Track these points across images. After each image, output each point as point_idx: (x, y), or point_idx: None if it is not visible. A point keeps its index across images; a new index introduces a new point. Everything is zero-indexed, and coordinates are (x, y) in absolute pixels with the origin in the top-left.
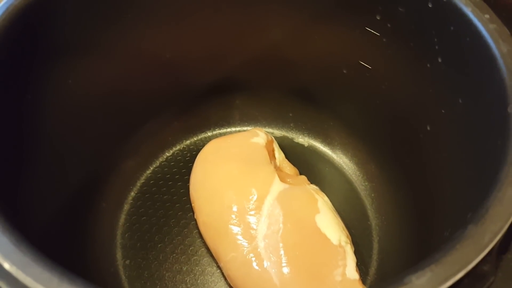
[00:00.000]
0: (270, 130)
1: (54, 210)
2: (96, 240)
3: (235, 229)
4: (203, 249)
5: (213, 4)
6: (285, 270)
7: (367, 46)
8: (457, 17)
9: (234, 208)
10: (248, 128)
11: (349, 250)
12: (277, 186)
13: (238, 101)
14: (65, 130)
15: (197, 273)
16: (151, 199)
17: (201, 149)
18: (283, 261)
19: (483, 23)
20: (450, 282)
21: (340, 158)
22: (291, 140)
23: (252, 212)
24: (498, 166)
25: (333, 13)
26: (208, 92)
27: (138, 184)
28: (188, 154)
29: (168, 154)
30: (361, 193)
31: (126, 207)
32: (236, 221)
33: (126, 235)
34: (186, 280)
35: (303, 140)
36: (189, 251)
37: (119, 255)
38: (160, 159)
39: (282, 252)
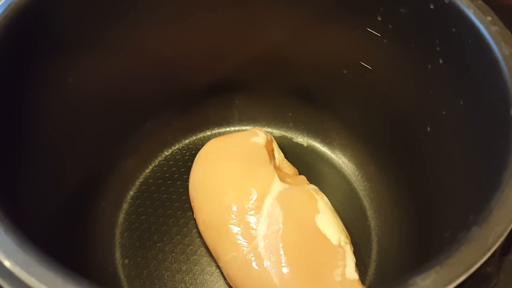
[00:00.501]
0: (270, 129)
1: (53, 209)
2: (95, 239)
3: (235, 229)
4: (202, 248)
5: (214, 3)
6: (285, 270)
7: (368, 47)
8: (459, 18)
9: (234, 208)
10: (248, 127)
11: (348, 250)
12: (277, 186)
13: (238, 100)
14: (65, 129)
15: (197, 272)
16: (150, 198)
17: (200, 148)
18: (283, 261)
19: (485, 25)
20: (455, 283)
21: (339, 158)
22: (290, 140)
23: (252, 212)
24: (500, 167)
25: (334, 14)
26: (207, 91)
27: (137, 183)
28: (187, 154)
29: (167, 153)
30: (360, 193)
31: (125, 206)
32: (236, 221)
33: (125, 234)
34: (185, 279)
35: (302, 140)
36: (188, 251)
37: (118, 254)
38: (159, 158)
39: (282, 252)
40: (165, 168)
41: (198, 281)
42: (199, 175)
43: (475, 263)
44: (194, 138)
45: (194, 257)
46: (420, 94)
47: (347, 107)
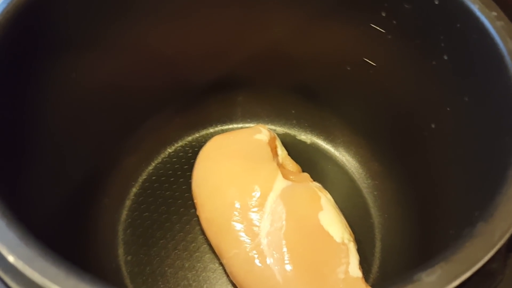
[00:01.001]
0: (273, 127)
1: (55, 206)
2: (98, 236)
3: (238, 226)
4: (205, 245)
5: (216, 0)
6: (288, 267)
7: (371, 43)
8: (463, 14)
9: (237, 205)
10: (250, 125)
11: (352, 248)
12: (280, 183)
13: (241, 98)
14: (67, 125)
15: (199, 269)
16: (153, 195)
17: (203, 145)
18: (286, 258)
19: (490, 20)
20: (460, 279)
21: (343, 156)
22: (294, 137)
23: (255, 209)
24: (506, 163)
25: (338, 9)
26: (210, 88)
27: (140, 180)
28: (190, 151)
29: (170, 150)
30: (364, 190)
31: (128, 203)
32: (239, 218)
33: (128, 231)
34: (188, 276)
35: (306, 137)
36: (191, 248)
37: (120, 251)
38: (162, 155)
39: (285, 249)
40: (168, 165)
41: (200, 278)
42: (202, 172)
43: (481, 259)
44: (197, 135)
45: (197, 254)
46: (424, 91)
47: (351, 104)
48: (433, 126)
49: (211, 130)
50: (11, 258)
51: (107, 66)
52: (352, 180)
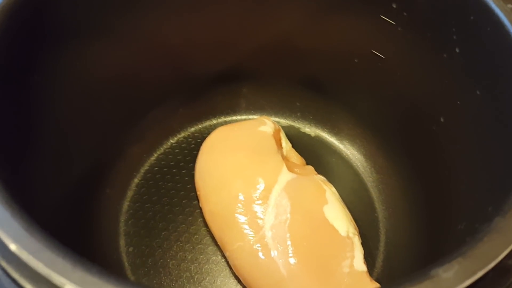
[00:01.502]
0: (277, 119)
1: (58, 196)
2: (100, 227)
3: (242, 219)
4: (208, 237)
5: None
6: (293, 260)
7: (381, 35)
8: (477, 6)
9: (241, 197)
10: (254, 116)
11: (357, 242)
12: (285, 175)
13: (245, 89)
14: (72, 115)
15: (202, 261)
16: (155, 186)
17: (206, 136)
18: (291, 251)
19: (505, 13)
20: (478, 275)
21: (348, 149)
22: (298, 129)
23: (260, 202)
24: None
25: (347, 1)
26: (215, 80)
27: (142, 170)
28: (193, 142)
29: (172, 141)
30: (369, 184)
31: (130, 193)
32: (243, 210)
33: (130, 222)
34: (191, 268)
35: (310, 130)
36: (193, 239)
37: (122, 242)
38: (165, 146)
39: (289, 242)
40: (171, 156)
41: (203, 270)
42: (205, 164)
43: (499, 255)
44: (200, 126)
45: (199, 246)
46: (434, 84)
47: (357, 97)
48: (442, 120)
49: (215, 121)
50: (14, 248)
51: (113, 55)
52: (357, 174)
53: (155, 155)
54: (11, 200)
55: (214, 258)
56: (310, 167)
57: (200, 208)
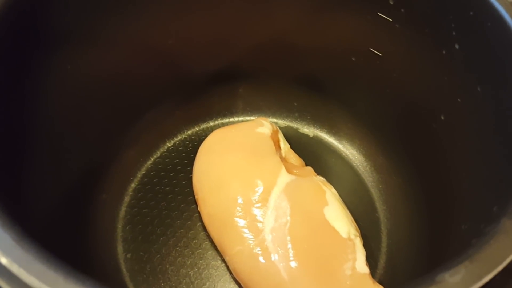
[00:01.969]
0: (274, 120)
1: (53, 202)
2: (96, 233)
3: (241, 222)
4: (207, 242)
5: None
6: (294, 264)
7: (378, 33)
8: (477, 1)
9: (240, 200)
10: (252, 117)
11: (358, 243)
12: (284, 177)
13: (242, 89)
14: (65, 119)
15: (201, 266)
16: (152, 190)
17: (203, 139)
18: (291, 254)
19: (505, 8)
20: (485, 279)
21: (347, 149)
22: (296, 130)
23: (259, 204)
24: None
25: None
26: (211, 80)
27: (139, 175)
28: (190, 144)
29: (169, 144)
30: (369, 184)
31: (126, 198)
32: (242, 214)
33: (127, 227)
34: (190, 274)
35: (308, 130)
36: (192, 244)
37: (119, 248)
38: (161, 149)
39: (290, 245)
40: (168, 159)
41: (203, 275)
42: (203, 166)
43: (507, 257)
44: (197, 128)
45: (198, 251)
46: (433, 81)
47: (355, 96)
48: (442, 118)
49: (212, 123)
50: (5, 261)
51: (106, 59)
52: (357, 174)
53: (152, 158)
54: (1, 210)
55: (213, 263)
56: (309, 168)
57: (199, 212)
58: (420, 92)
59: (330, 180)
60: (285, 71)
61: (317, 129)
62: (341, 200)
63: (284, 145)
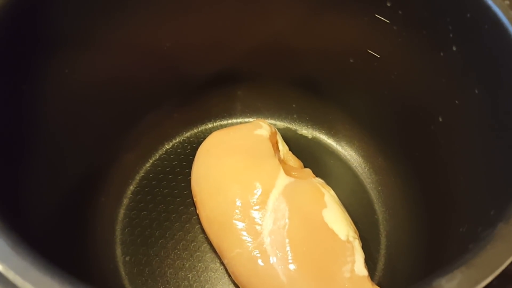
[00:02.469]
0: (273, 121)
1: (51, 205)
2: (95, 236)
3: (240, 225)
4: (205, 244)
5: None
6: (292, 266)
7: (376, 34)
8: (474, 3)
9: (239, 203)
10: (250, 119)
11: (357, 246)
12: (283, 179)
13: (240, 92)
14: (63, 122)
15: (200, 269)
16: (151, 193)
17: (202, 141)
18: (290, 257)
19: (503, 10)
20: (482, 285)
21: (346, 150)
22: (295, 132)
23: (257, 207)
24: None
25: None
26: (209, 82)
27: (138, 177)
28: (189, 147)
29: (168, 147)
30: (368, 186)
31: (125, 201)
32: (240, 216)
33: (126, 230)
34: (189, 276)
35: (307, 132)
36: (191, 247)
37: (118, 251)
38: (160, 152)
39: (288, 248)
40: (166, 162)
41: (201, 278)
42: (201, 169)
43: (503, 262)
44: (196, 130)
45: (197, 253)
46: (431, 83)
47: (353, 97)
48: (440, 119)
49: (210, 125)
50: (1, 268)
51: (103, 60)
52: (356, 176)
53: (151, 161)
54: None
55: (212, 265)
56: (308, 170)
57: (197, 215)
58: (418, 93)
59: (329, 181)
60: (283, 73)
61: (316, 130)
62: (339, 202)
63: (282, 147)
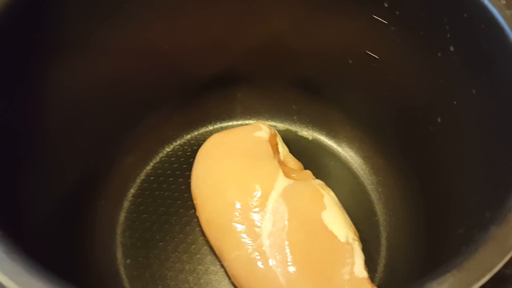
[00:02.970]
0: (273, 123)
1: (52, 209)
2: (96, 239)
3: (239, 227)
4: (205, 247)
5: None
6: (291, 269)
7: (374, 35)
8: (470, 3)
9: (238, 205)
10: (250, 121)
11: (357, 247)
12: (282, 181)
13: (240, 93)
14: (62, 126)
15: (200, 272)
16: (151, 196)
17: (202, 143)
18: (289, 259)
19: (499, 9)
20: (474, 287)
21: (346, 152)
22: (295, 133)
23: (256, 209)
24: None
25: (339, 1)
26: (208, 84)
27: (138, 180)
28: (189, 149)
29: (168, 149)
30: (368, 187)
31: (126, 204)
32: (239, 219)
33: (126, 233)
34: (189, 279)
35: (307, 133)
36: (191, 250)
37: (119, 254)
38: (160, 155)
39: (287, 250)
40: (166, 164)
41: (202, 280)
42: (201, 171)
43: (495, 266)
44: (196, 133)
45: (197, 256)
46: (429, 84)
47: (353, 98)
48: (439, 120)
49: (210, 127)
50: None
51: (102, 64)
52: (356, 177)
53: (151, 164)
54: None
55: (212, 268)
56: (308, 172)
57: (197, 217)
58: (417, 94)
59: (329, 183)
60: (282, 74)
61: (316, 132)
62: (339, 203)
63: (282, 148)
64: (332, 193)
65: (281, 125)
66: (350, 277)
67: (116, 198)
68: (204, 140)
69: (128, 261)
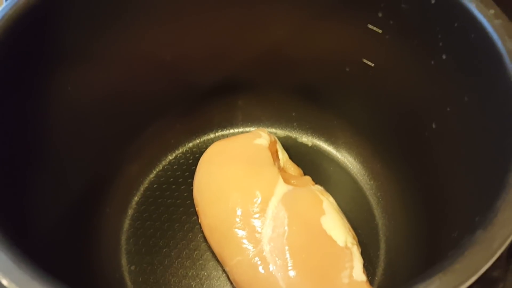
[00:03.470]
0: (273, 130)
1: (57, 217)
2: (101, 246)
3: (240, 233)
4: (208, 253)
5: (214, 2)
6: (291, 273)
7: (369, 44)
8: (461, 13)
9: (239, 211)
10: (251, 128)
11: (355, 252)
12: (282, 187)
13: (241, 101)
14: (67, 135)
15: (203, 277)
16: (155, 203)
17: (204, 151)
18: (289, 264)
19: (488, 19)
20: None
21: (345, 157)
22: (295, 140)
23: (257, 215)
24: (506, 168)
25: (335, 11)
26: (210, 93)
27: (142, 188)
28: (191, 157)
29: (171, 158)
30: (367, 192)
31: (130, 212)
32: (240, 225)
33: (131, 240)
34: (192, 285)
35: (307, 139)
36: (194, 256)
37: (124, 261)
38: (163, 163)
39: (288, 255)
40: (169, 172)
41: (204, 286)
42: (203, 178)
43: (480, 268)
44: (198, 141)
45: (200, 262)
46: (423, 90)
47: (351, 105)
48: (434, 126)
49: (212, 135)
50: (5, 282)
51: (105, 74)
52: (355, 182)
53: (154, 172)
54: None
55: (214, 273)
56: (307, 178)
57: (200, 224)
58: (413, 101)
59: (328, 188)
60: (282, 82)
61: (316, 138)
62: (338, 208)
63: (282, 155)
64: (331, 198)
65: (281, 132)
66: (349, 280)
67: (120, 206)
68: (206, 148)
69: (132, 267)
